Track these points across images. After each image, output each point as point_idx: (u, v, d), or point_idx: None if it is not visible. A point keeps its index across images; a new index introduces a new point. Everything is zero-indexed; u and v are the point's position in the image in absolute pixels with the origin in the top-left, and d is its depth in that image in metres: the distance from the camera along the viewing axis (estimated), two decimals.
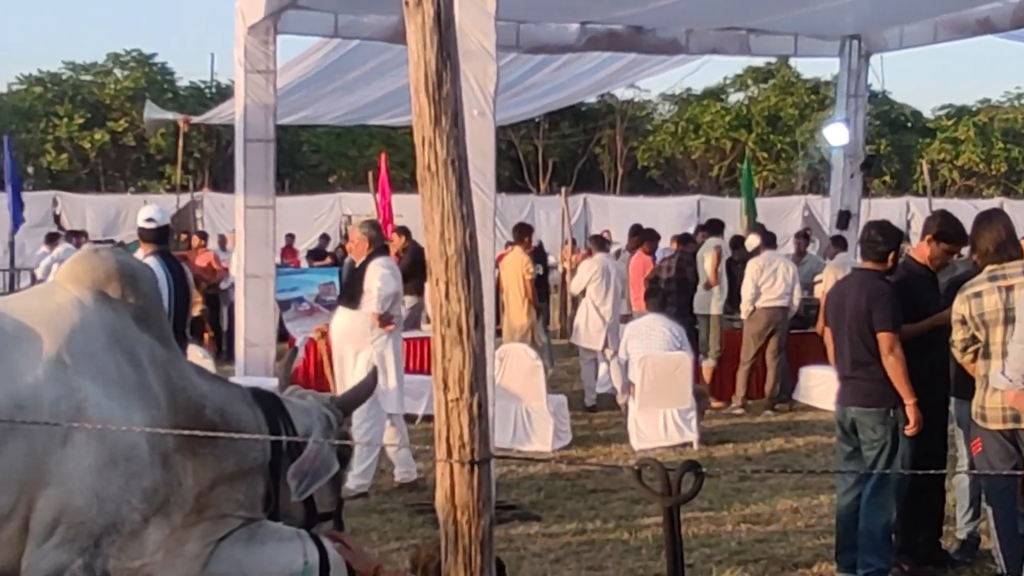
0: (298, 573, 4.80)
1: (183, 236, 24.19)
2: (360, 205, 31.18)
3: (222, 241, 24.70)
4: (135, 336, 4.51)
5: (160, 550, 4.49)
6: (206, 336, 18.83)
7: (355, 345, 10.34)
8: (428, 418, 13.84)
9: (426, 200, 3.00)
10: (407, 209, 27.38)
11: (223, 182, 39.92)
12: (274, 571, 4.82)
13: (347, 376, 10.17)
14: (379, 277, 10.27)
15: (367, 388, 5.52)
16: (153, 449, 4.37)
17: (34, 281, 24.92)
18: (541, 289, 17.89)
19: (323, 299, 20.73)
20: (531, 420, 12.42)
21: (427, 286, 3.17)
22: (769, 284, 14.96)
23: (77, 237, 23.51)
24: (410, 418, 14.16)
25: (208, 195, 34.91)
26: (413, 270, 15.29)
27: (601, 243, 17.38)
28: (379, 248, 10.61)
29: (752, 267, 15.06)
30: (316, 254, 24.64)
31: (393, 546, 8.82)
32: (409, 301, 15.91)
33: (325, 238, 28.47)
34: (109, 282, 4.55)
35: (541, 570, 8.03)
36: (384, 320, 10.27)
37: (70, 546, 4.22)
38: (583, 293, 15.63)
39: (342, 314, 10.61)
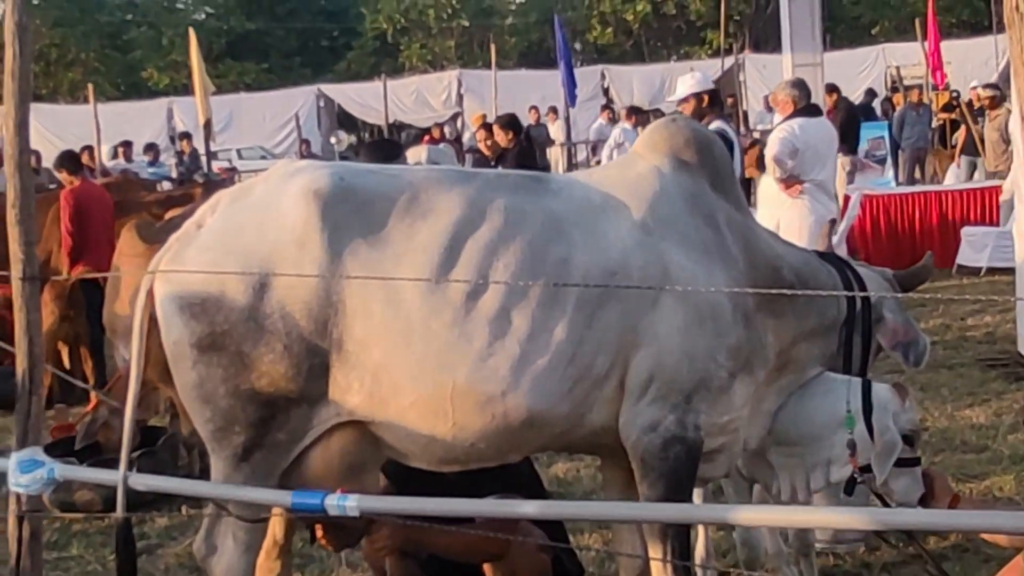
0: (842, 419, 4.81)
1: (730, 100, 24.27)
2: (905, 56, 30.18)
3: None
4: (712, 201, 4.63)
5: (746, 405, 4.63)
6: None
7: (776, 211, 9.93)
8: (991, 271, 13.41)
9: (1015, 43, 2.89)
10: (955, 56, 26.33)
11: (764, 43, 39.72)
12: (820, 425, 4.86)
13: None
14: (774, 141, 9.81)
15: (926, 271, 5.40)
16: (736, 309, 4.50)
17: (593, 152, 25.96)
18: None
19: (872, 154, 20.36)
20: None
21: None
22: None
23: None
24: (974, 271, 13.79)
25: (750, 56, 34.84)
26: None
27: None
28: (802, 109, 9.91)
29: None
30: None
31: (966, 401, 8.66)
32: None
33: (871, 93, 27.76)
34: (685, 149, 4.68)
35: None
36: (786, 184, 9.76)
37: (663, 402, 4.43)
38: None
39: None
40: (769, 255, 4.74)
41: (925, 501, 4.73)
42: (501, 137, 12.32)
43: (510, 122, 12.51)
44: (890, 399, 4.81)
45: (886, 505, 4.81)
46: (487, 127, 13.36)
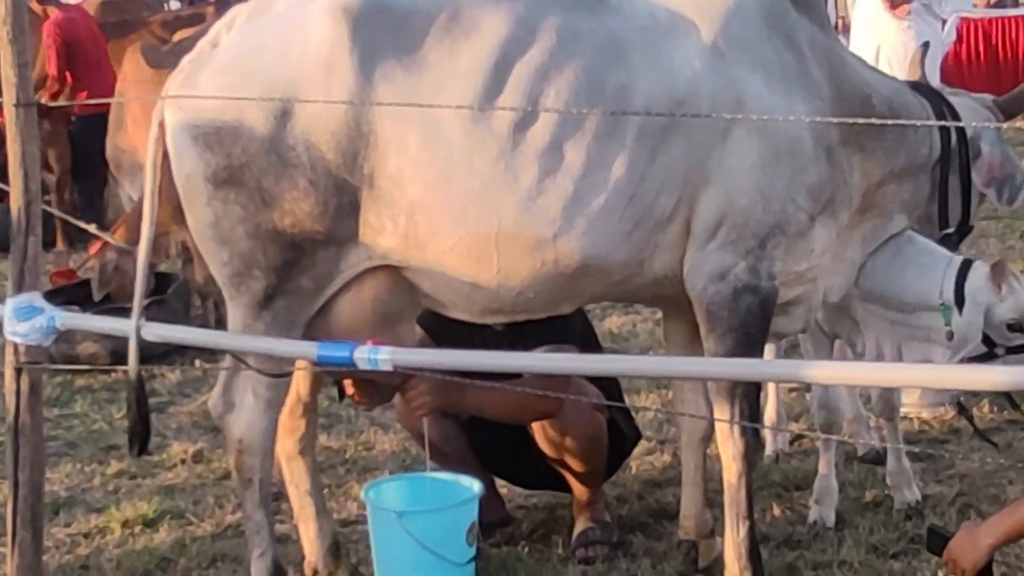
0: (935, 309, 4.78)
1: None
2: None
3: None
4: (793, 20, 4.52)
5: (827, 252, 4.58)
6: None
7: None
8: None
9: None
10: None
11: None
12: (912, 300, 4.84)
13: None
14: None
15: None
16: (818, 143, 4.43)
17: None
18: None
19: None
20: None
21: None
22: None
23: None
24: None
25: None
26: None
27: None
28: None
29: None
30: None
31: None
32: None
33: None
34: None
35: None
36: (892, 3, 9.57)
37: (734, 247, 4.39)
38: None
39: None
40: (857, 82, 4.65)
41: None
42: None
43: None
44: (981, 289, 4.75)
45: (1015, 407, 4.79)
46: None
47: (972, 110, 5.08)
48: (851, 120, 4.31)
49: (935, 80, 8.61)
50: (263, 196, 4.25)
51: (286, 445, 4.81)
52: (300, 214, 4.24)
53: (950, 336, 4.75)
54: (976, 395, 5.08)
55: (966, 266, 4.81)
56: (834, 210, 4.56)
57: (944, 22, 13.93)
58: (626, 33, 4.37)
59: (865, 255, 4.83)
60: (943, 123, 4.77)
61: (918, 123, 4.66)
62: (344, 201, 4.25)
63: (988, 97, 5.29)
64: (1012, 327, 4.73)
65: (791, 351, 6.17)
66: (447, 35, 4.26)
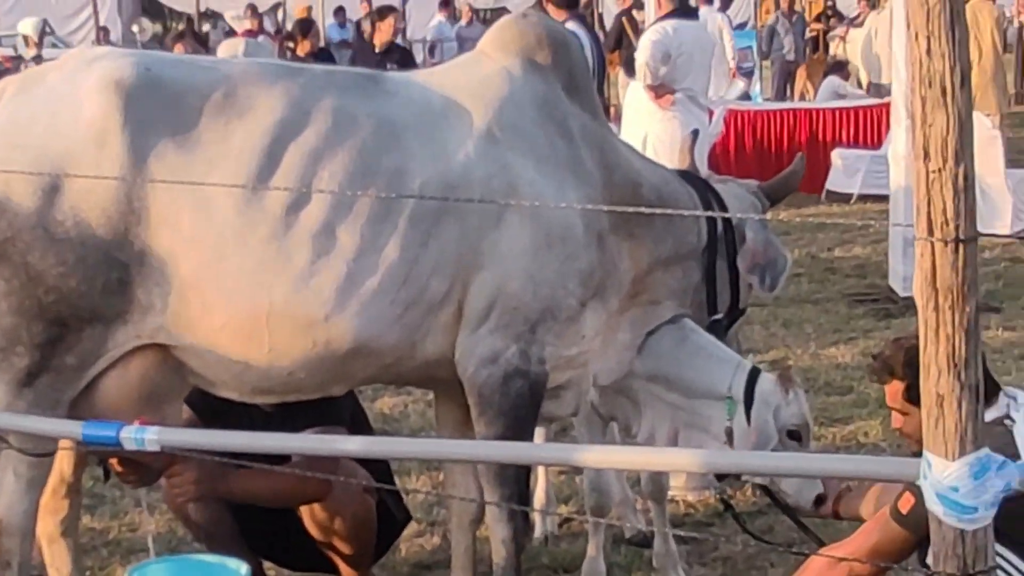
0: (720, 399, 4.90)
1: None
2: None
3: None
4: (566, 108, 4.62)
5: (596, 337, 4.66)
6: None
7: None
8: (863, 198, 13.70)
9: None
10: None
11: None
12: (698, 387, 4.94)
13: None
14: (646, 44, 9.69)
15: (796, 176, 5.49)
16: (588, 229, 4.51)
17: (431, 54, 25.78)
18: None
19: (740, 65, 20.61)
20: (987, 198, 12.05)
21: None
22: None
23: None
24: (844, 197, 14.09)
25: None
26: None
27: None
28: (678, 9, 9.86)
29: None
30: None
31: (831, 339, 8.87)
32: None
33: None
34: (538, 49, 4.64)
35: (1003, 368, 7.90)
36: (657, 93, 9.67)
37: (505, 332, 4.43)
38: None
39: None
40: (627, 170, 4.76)
41: (823, 503, 4.79)
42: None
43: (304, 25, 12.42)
44: (772, 391, 4.88)
45: (778, 505, 4.90)
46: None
47: (738, 197, 5.22)
48: (621, 208, 4.40)
49: (703, 168, 8.87)
50: (28, 272, 4.15)
51: (47, 526, 4.69)
52: (67, 291, 4.16)
53: (729, 432, 4.84)
54: (739, 479, 5.19)
55: (756, 371, 4.95)
56: (604, 295, 4.65)
57: (712, 112, 14.36)
58: (401, 117, 4.41)
59: (637, 339, 4.92)
60: (710, 213, 4.89)
61: (686, 213, 4.77)
62: (113, 278, 4.18)
63: (753, 183, 5.44)
64: (792, 434, 4.87)
65: (561, 434, 6.24)
66: (221, 114, 4.24)
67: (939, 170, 2.93)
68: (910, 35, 2.95)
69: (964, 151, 2.93)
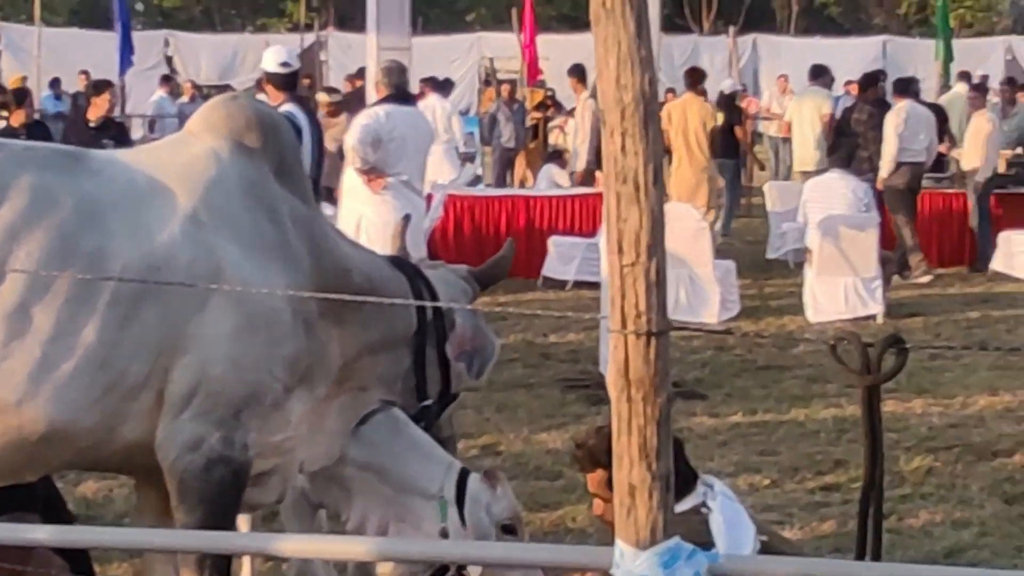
0: (431, 499, 4.91)
1: (307, 81, 24.34)
2: (501, 46, 31.05)
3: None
4: (275, 192, 4.60)
5: (303, 423, 4.62)
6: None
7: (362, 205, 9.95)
8: (578, 284, 13.93)
9: (600, 42, 2.99)
10: (554, 51, 27.29)
11: (350, 20, 39.97)
12: (410, 483, 4.96)
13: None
14: (356, 127, 9.81)
15: (506, 261, 5.57)
16: (296, 315, 4.48)
17: (151, 129, 25.40)
18: (729, 141, 18.12)
19: (465, 151, 20.87)
20: (695, 288, 12.43)
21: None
22: (912, 137, 14.80)
23: None
24: (560, 284, 14.31)
25: (333, 35, 35.01)
26: None
27: None
28: (393, 95, 9.99)
29: (892, 119, 14.88)
30: None
31: (543, 424, 8.96)
32: None
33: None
34: (248, 132, 4.62)
35: (707, 454, 8.10)
36: (368, 177, 9.75)
37: (207, 417, 4.37)
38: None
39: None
40: (337, 256, 4.75)
41: None
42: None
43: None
44: (481, 489, 4.93)
45: None
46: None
47: (448, 283, 5.25)
48: (329, 295, 4.38)
49: (419, 253, 8.91)
50: None
51: None
52: None
53: (444, 533, 4.86)
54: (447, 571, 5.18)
55: (465, 471, 4.99)
56: (312, 382, 4.61)
57: (431, 197, 14.47)
58: (104, 196, 4.32)
59: (347, 425, 4.89)
60: (419, 303, 4.91)
61: (395, 301, 4.77)
62: None
63: (464, 269, 5.49)
64: (507, 528, 4.90)
65: (271, 518, 6.15)
66: None
67: (632, 264, 3.01)
68: (605, 132, 3.02)
69: (656, 246, 3.01)
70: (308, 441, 4.74)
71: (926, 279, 14.56)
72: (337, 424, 4.87)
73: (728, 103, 19.54)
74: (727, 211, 18.38)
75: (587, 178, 16.58)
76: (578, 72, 17.77)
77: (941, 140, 16.31)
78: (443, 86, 20.67)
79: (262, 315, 4.41)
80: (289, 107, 8.60)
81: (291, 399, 4.53)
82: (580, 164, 17.17)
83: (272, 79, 9.20)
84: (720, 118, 18.15)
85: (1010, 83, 20.32)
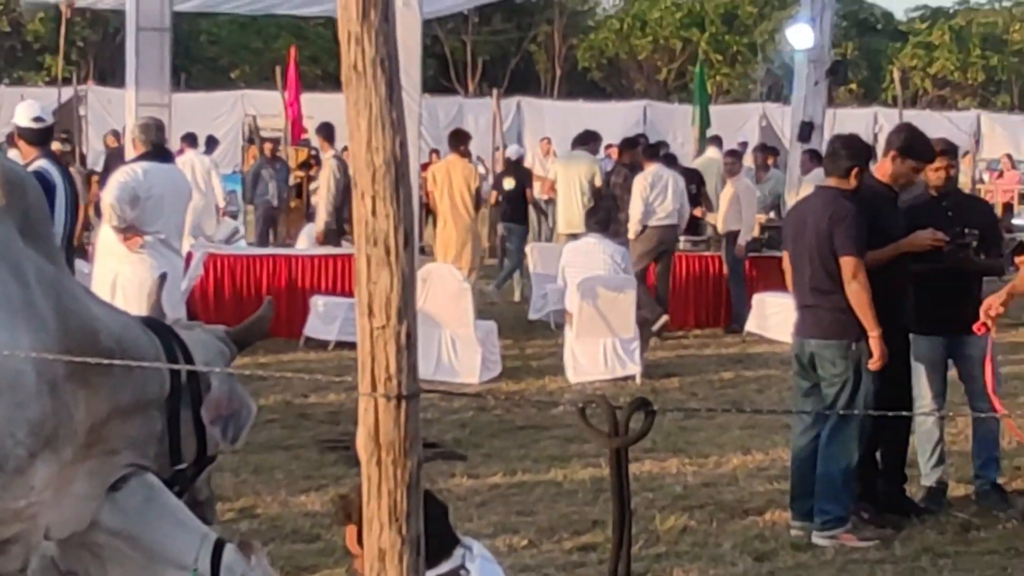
0: (184, 570, 4.83)
1: (63, 136, 23.87)
2: (265, 104, 30.91)
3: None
4: (20, 251, 4.48)
5: (48, 488, 4.49)
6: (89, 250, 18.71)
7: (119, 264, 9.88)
8: (341, 344, 13.87)
9: (351, 104, 2.99)
10: (318, 110, 27.26)
11: (110, 75, 39.40)
12: (163, 552, 4.85)
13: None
14: (112, 185, 9.80)
15: (264, 321, 5.53)
16: (41, 377, 4.36)
17: None
18: (519, 207, 18.57)
19: (227, 209, 20.68)
20: (456, 348, 12.48)
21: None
22: (660, 201, 15.24)
23: None
24: (322, 344, 14.22)
25: (93, 89, 34.43)
26: None
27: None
28: (151, 152, 9.98)
29: (640, 183, 15.33)
30: None
31: (302, 485, 8.87)
32: None
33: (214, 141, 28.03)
34: None
35: (466, 514, 8.11)
36: (124, 235, 9.71)
37: None
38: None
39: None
40: (85, 317, 4.64)
41: None
42: None
43: None
44: (236, 560, 4.86)
45: None
46: None
47: (204, 344, 5.18)
48: (75, 358, 4.28)
49: (178, 312, 8.77)
50: None
51: None
52: None
53: None
54: None
55: (221, 542, 4.89)
56: (57, 445, 4.48)
57: (191, 255, 14.28)
58: None
59: (96, 490, 4.77)
60: (171, 366, 4.82)
61: (144, 364, 4.68)
62: None
63: (221, 329, 5.42)
64: None
65: None
66: None
67: (383, 327, 3.00)
68: (356, 194, 3.02)
69: (407, 309, 3.01)
70: (54, 506, 4.60)
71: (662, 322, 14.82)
72: (85, 488, 4.75)
73: (516, 168, 19.85)
74: (506, 273, 18.66)
75: (327, 237, 16.51)
76: (325, 130, 17.68)
77: (696, 204, 16.78)
78: (208, 143, 20.45)
79: (4, 377, 4.27)
80: (42, 163, 8.42)
81: (35, 464, 4.39)
82: (320, 224, 17.05)
83: (24, 134, 9.01)
84: (510, 183, 18.49)
85: (763, 149, 20.95)
